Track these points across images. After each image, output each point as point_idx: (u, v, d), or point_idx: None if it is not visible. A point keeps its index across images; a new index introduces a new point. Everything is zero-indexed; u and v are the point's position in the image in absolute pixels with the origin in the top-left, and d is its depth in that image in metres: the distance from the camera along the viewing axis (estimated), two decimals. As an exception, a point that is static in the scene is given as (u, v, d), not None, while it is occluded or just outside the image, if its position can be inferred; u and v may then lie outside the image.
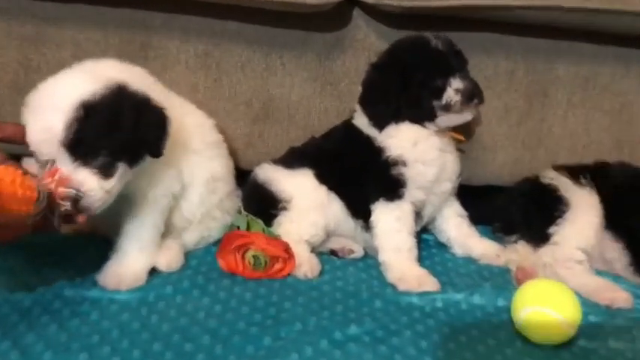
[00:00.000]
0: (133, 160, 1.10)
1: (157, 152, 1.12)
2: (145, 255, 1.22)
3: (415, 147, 1.34)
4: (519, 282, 1.30)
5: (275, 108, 1.52)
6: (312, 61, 1.49)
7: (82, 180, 1.03)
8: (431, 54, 1.32)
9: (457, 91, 1.32)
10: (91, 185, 1.04)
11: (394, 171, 1.33)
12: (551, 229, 1.38)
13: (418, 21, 1.48)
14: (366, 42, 1.49)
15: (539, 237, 1.39)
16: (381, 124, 1.35)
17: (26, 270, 1.20)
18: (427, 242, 1.53)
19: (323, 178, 1.39)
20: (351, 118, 1.43)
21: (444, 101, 1.32)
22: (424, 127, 1.36)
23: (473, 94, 1.33)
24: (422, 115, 1.35)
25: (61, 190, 1.01)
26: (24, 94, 1.36)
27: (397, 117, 1.35)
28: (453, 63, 1.33)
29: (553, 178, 1.46)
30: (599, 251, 1.38)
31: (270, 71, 1.49)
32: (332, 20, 1.47)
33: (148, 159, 1.13)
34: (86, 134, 1.02)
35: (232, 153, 1.50)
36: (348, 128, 1.43)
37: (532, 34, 1.55)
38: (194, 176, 1.29)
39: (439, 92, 1.32)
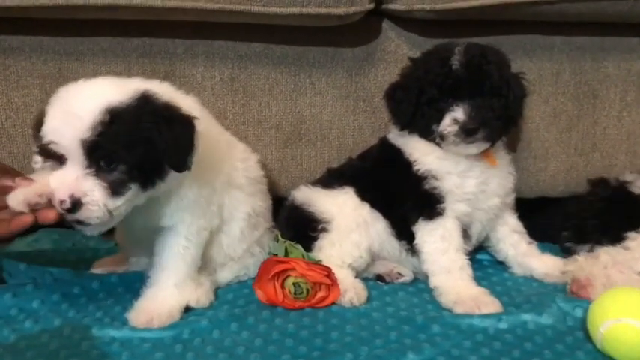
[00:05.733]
0: (148, 180, 1.02)
1: (181, 166, 1.03)
2: (181, 290, 1.14)
3: (443, 161, 1.24)
4: (574, 295, 1.21)
5: (307, 129, 1.46)
6: (342, 78, 1.43)
7: (88, 189, 0.96)
8: (444, 71, 1.19)
9: (455, 121, 1.18)
10: (96, 197, 0.96)
11: (427, 186, 1.23)
12: (629, 234, 1.26)
13: (453, 27, 1.41)
14: (398, 54, 1.43)
15: (612, 239, 1.27)
16: (400, 122, 1.27)
17: (52, 312, 1.13)
18: (482, 262, 1.42)
19: (364, 195, 1.30)
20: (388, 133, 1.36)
21: (440, 128, 1.21)
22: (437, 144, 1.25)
23: (473, 131, 1.18)
24: (423, 134, 1.25)
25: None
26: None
27: (410, 125, 1.26)
28: (466, 87, 1.18)
29: None
30: None
31: (299, 92, 1.43)
32: (361, 33, 1.42)
33: (162, 183, 1.04)
34: (108, 140, 0.96)
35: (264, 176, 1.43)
36: (383, 143, 1.35)
37: (576, 33, 1.47)
38: (236, 211, 1.23)
39: (439, 117, 1.21)
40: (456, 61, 1.18)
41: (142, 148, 0.98)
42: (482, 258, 1.43)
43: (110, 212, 0.98)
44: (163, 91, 1.06)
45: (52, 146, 0.97)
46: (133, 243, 1.14)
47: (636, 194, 1.32)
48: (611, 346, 0.98)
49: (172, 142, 1.01)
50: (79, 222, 0.98)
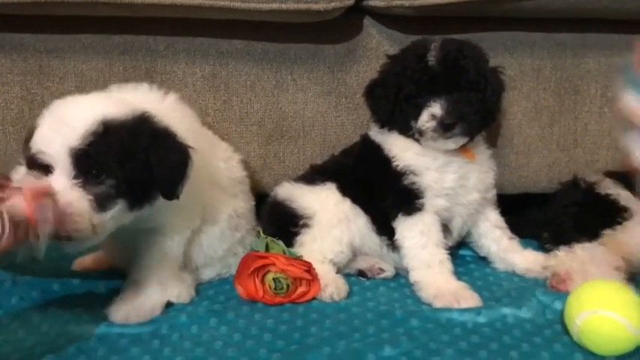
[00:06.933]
0: (136, 200, 1.00)
1: (170, 194, 1.02)
2: (164, 287, 1.14)
3: (422, 156, 1.24)
4: (554, 289, 1.21)
5: (289, 126, 1.45)
6: (324, 75, 1.43)
7: (72, 200, 0.92)
8: (420, 67, 1.19)
9: (433, 117, 1.18)
10: (81, 209, 0.92)
11: (406, 181, 1.23)
12: (605, 231, 1.28)
13: (433, 24, 1.41)
14: (379, 50, 1.42)
15: (589, 237, 1.28)
16: (380, 119, 1.27)
17: (30, 309, 1.13)
18: (464, 258, 1.42)
19: (345, 191, 1.30)
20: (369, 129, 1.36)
21: (418, 124, 1.21)
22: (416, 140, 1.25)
23: (450, 126, 1.18)
24: (402, 130, 1.25)
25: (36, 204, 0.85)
26: (29, 130, 1.35)
27: (390, 122, 1.26)
28: (443, 82, 1.18)
29: (609, 187, 1.35)
30: None
31: (281, 88, 1.42)
32: (342, 30, 1.42)
33: (150, 207, 1.03)
34: (99, 150, 0.94)
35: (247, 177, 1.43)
36: (363, 139, 1.36)
37: (557, 29, 1.47)
38: (217, 212, 1.22)
39: (417, 113, 1.20)
40: (432, 57, 1.18)
41: (134, 165, 0.97)
42: (465, 254, 1.43)
43: (94, 227, 0.95)
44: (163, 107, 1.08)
45: (39, 156, 0.95)
46: (114, 242, 1.14)
47: (603, 194, 1.33)
48: (587, 338, 0.98)
49: (167, 169, 1.01)
50: (61, 235, 0.94)
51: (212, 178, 1.20)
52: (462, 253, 1.43)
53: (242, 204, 1.29)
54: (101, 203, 0.95)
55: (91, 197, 0.94)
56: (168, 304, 1.14)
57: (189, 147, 1.04)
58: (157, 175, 1.00)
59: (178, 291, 1.15)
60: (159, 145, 1.00)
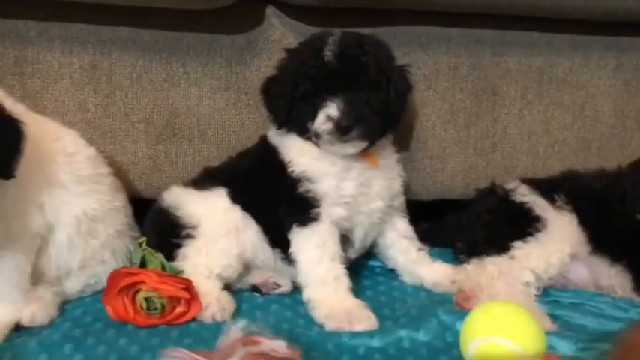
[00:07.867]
0: None
1: (6, 172, 0.92)
2: (5, 305, 0.99)
3: (319, 161, 1.13)
4: (460, 307, 1.12)
5: (182, 124, 1.32)
6: (221, 68, 1.30)
7: None
8: (317, 63, 1.08)
9: (329, 118, 1.08)
10: None
11: (301, 189, 1.13)
12: (515, 243, 1.19)
13: (343, 16, 1.30)
14: (283, 43, 1.30)
15: (499, 248, 1.20)
16: (276, 119, 1.17)
17: None
18: (373, 270, 1.33)
19: (237, 198, 1.18)
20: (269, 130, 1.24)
21: (314, 126, 1.10)
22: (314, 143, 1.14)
23: (347, 129, 1.07)
24: (299, 132, 1.15)
25: None
26: None
27: (287, 123, 1.16)
28: (341, 80, 1.08)
29: (525, 195, 1.27)
30: (592, 281, 1.23)
31: (171, 82, 1.29)
32: (241, 19, 1.30)
33: None
34: None
35: (135, 180, 1.30)
36: (261, 141, 1.24)
37: (475, 25, 1.38)
38: (60, 214, 1.07)
39: (314, 114, 1.10)
40: (329, 52, 1.07)
41: None
42: (374, 265, 1.34)
43: None
44: None
45: None
46: None
47: (518, 202, 1.25)
48: (480, 366, 0.89)
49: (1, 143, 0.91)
50: None
51: (48, 175, 1.05)
52: (372, 264, 1.34)
53: (95, 205, 1.12)
54: None
55: None
56: (20, 327, 1.00)
57: (22, 122, 0.95)
58: None
59: (31, 311, 1.01)
60: None
